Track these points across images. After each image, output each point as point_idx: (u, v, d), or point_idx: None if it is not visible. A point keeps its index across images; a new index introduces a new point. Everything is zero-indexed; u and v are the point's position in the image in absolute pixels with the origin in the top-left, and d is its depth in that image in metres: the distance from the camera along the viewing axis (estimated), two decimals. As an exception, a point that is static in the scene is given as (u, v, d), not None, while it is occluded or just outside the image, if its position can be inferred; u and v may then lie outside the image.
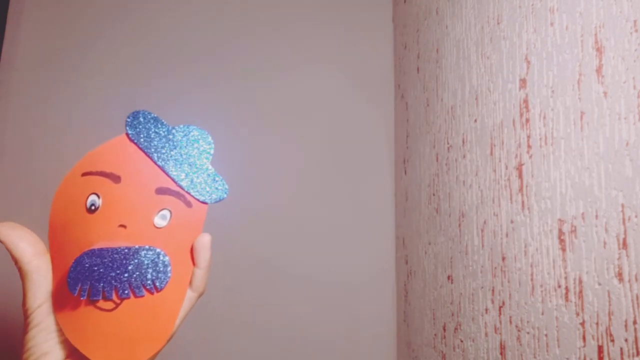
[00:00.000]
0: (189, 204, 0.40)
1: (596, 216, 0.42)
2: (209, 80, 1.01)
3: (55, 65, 0.96)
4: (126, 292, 0.36)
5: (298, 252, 0.98)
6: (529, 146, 0.53)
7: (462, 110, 0.71)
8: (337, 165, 1.02)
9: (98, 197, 0.38)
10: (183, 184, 0.40)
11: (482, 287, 0.62)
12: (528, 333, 0.52)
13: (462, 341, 0.68)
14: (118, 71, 0.97)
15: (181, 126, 0.41)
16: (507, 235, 0.57)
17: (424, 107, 0.87)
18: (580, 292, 0.44)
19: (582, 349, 0.43)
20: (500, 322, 0.58)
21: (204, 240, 0.39)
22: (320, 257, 0.98)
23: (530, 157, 0.53)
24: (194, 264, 0.40)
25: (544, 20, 0.52)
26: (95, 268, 0.35)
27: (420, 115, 0.89)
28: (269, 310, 0.95)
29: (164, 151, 0.40)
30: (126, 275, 0.36)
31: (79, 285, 0.35)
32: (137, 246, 0.37)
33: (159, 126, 0.41)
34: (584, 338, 0.43)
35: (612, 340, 0.40)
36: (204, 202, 0.40)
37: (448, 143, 0.76)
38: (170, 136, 0.41)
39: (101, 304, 0.36)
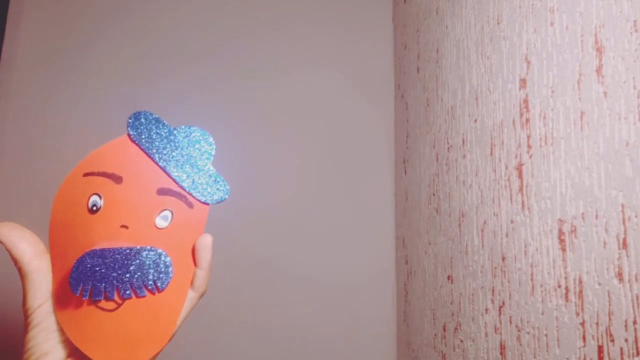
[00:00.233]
0: (190, 205, 0.40)
1: (596, 216, 0.42)
2: (209, 80, 1.01)
3: (55, 65, 0.96)
4: (128, 292, 0.36)
5: (298, 252, 0.98)
6: (529, 146, 0.53)
7: (462, 110, 0.71)
8: (337, 165, 1.02)
9: (100, 197, 0.38)
10: (184, 184, 0.40)
11: (482, 287, 0.62)
12: (528, 333, 0.52)
13: (462, 341, 0.68)
14: (118, 71, 0.97)
15: (183, 127, 0.42)
16: (507, 235, 0.57)
17: (424, 107, 0.87)
18: (580, 292, 0.44)
19: (582, 349, 0.43)
20: (500, 322, 0.58)
21: (206, 241, 0.39)
22: (320, 257, 0.98)
23: (530, 157, 0.53)
24: (195, 264, 0.40)
25: (544, 20, 0.52)
26: (97, 268, 0.35)
27: (420, 115, 0.89)
28: (269, 310, 0.95)
29: (165, 152, 0.40)
30: (128, 275, 0.36)
31: (81, 285, 0.35)
32: (138, 247, 0.37)
33: (161, 127, 0.41)
34: (584, 338, 0.43)
35: (612, 340, 0.40)
36: (205, 203, 0.41)
37: (448, 143, 0.76)
38: (172, 137, 0.41)
39: (103, 304, 0.36)
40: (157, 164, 0.40)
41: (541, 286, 0.50)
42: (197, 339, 0.92)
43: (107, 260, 0.36)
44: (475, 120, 0.67)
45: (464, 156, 0.70)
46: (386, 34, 1.10)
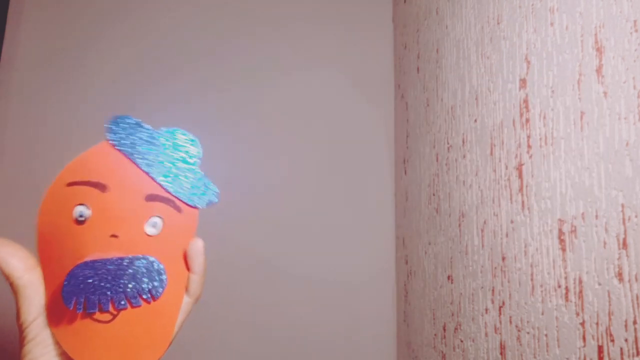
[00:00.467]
0: (179, 210, 0.39)
1: (596, 216, 0.42)
2: (209, 80, 1.01)
3: (55, 65, 0.96)
4: (122, 302, 0.35)
5: (298, 252, 0.98)
6: (529, 146, 0.53)
7: (462, 110, 0.71)
8: (337, 165, 1.02)
9: (86, 207, 0.37)
10: (171, 189, 0.39)
11: (482, 287, 0.62)
12: (528, 333, 0.52)
13: (462, 341, 0.68)
14: (118, 71, 0.97)
15: (165, 129, 0.40)
16: (507, 235, 0.57)
17: (424, 107, 0.87)
18: (580, 292, 0.44)
19: (582, 349, 0.43)
20: (500, 322, 0.58)
21: (198, 246, 0.39)
22: (320, 257, 0.98)
23: (530, 157, 0.53)
24: (188, 269, 0.39)
25: (544, 20, 0.52)
26: (90, 280, 0.34)
27: (420, 115, 0.89)
28: (269, 310, 0.95)
29: (149, 156, 0.39)
30: (122, 286, 0.35)
31: (74, 298, 0.34)
32: (130, 256, 0.36)
33: (142, 130, 0.40)
34: (584, 338, 0.43)
35: (612, 340, 0.40)
36: (194, 207, 0.40)
37: (448, 143, 0.76)
38: (155, 140, 0.40)
39: (98, 316, 0.35)
40: (141, 169, 0.39)
41: (541, 286, 0.50)
42: (197, 339, 0.92)
43: (100, 272, 0.35)
44: (475, 120, 0.67)
45: (464, 156, 0.70)
46: (386, 34, 1.10)
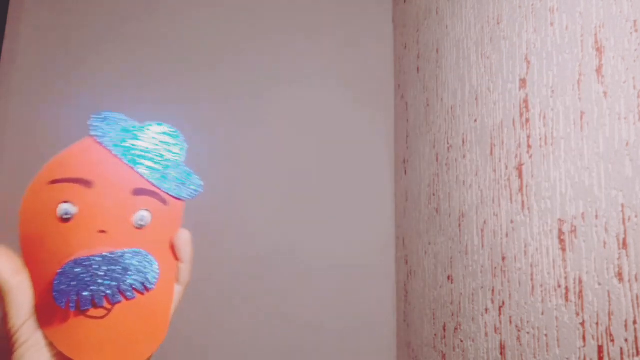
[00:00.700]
0: (164, 202, 0.39)
1: (596, 216, 0.42)
2: (209, 80, 1.01)
3: (55, 65, 0.96)
4: (116, 297, 0.35)
5: (298, 252, 0.98)
6: (529, 146, 0.53)
7: (462, 110, 0.71)
8: (337, 165, 1.02)
9: (72, 205, 0.36)
10: (156, 182, 0.39)
11: (482, 287, 0.62)
12: (528, 333, 0.52)
13: (462, 341, 0.68)
14: (118, 71, 0.97)
15: (148, 123, 0.40)
16: (507, 235, 0.57)
17: (424, 107, 0.87)
18: (580, 292, 0.44)
19: (582, 349, 0.43)
20: (500, 322, 0.58)
21: (186, 237, 0.40)
22: (321, 256, 0.98)
23: (530, 157, 0.53)
24: (176, 259, 0.40)
25: (544, 20, 0.52)
26: (81, 277, 0.34)
27: (420, 115, 0.89)
28: (269, 310, 0.95)
29: (132, 151, 0.39)
30: (115, 280, 0.35)
31: (67, 297, 0.34)
32: (121, 250, 0.36)
33: (126, 125, 0.40)
34: (584, 338, 0.43)
35: (612, 340, 0.40)
36: (179, 198, 0.40)
37: (448, 143, 0.76)
38: (138, 134, 0.40)
39: (92, 312, 0.35)
40: (126, 163, 0.39)
41: (541, 286, 0.50)
42: (196, 339, 0.92)
43: (91, 268, 0.35)
44: (475, 120, 0.67)
45: (464, 156, 0.70)
46: (386, 34, 1.10)
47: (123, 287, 0.36)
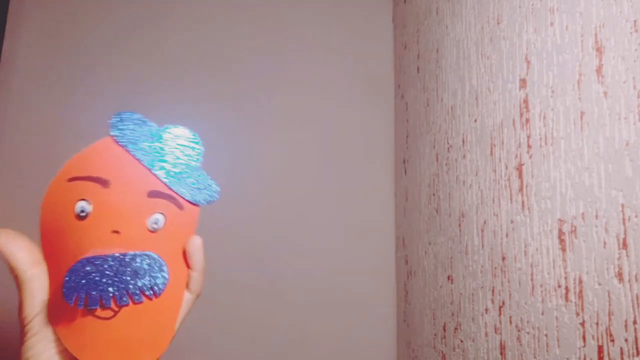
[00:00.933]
0: (180, 207, 0.39)
1: (596, 216, 0.42)
2: (209, 80, 1.01)
3: (55, 65, 0.96)
4: (124, 299, 0.35)
5: (298, 252, 0.98)
6: (529, 146, 0.53)
7: (462, 110, 0.71)
8: (337, 165, 1.02)
9: (88, 203, 0.36)
10: (173, 186, 0.39)
11: (482, 287, 0.62)
12: (528, 333, 0.52)
13: (462, 341, 0.68)
14: (118, 71, 0.97)
15: (168, 126, 0.40)
16: (507, 235, 0.57)
17: (424, 107, 0.87)
18: (580, 292, 0.44)
19: (582, 349, 0.43)
20: (500, 322, 0.58)
21: (197, 244, 0.39)
22: (320, 256, 0.98)
23: (530, 157, 0.53)
24: (188, 266, 0.39)
25: (544, 20, 0.52)
26: (91, 276, 0.34)
27: (420, 115, 0.89)
28: (269, 310, 0.95)
29: (151, 153, 0.39)
30: (123, 282, 0.35)
31: (75, 294, 0.34)
32: (132, 252, 0.36)
33: (145, 127, 0.40)
34: (584, 338, 0.43)
35: (612, 340, 0.40)
36: (195, 204, 0.40)
37: (448, 143, 0.76)
38: (158, 137, 0.40)
39: (99, 312, 0.35)
40: (144, 165, 0.39)
41: (541, 286, 0.50)
42: (197, 340, 0.92)
43: (101, 268, 0.35)
44: (475, 120, 0.67)
45: (464, 156, 0.70)
46: (386, 34, 1.10)
47: (132, 289, 0.35)
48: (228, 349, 0.93)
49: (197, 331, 0.92)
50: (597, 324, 0.42)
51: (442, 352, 0.74)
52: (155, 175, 0.39)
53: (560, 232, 0.47)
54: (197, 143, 0.41)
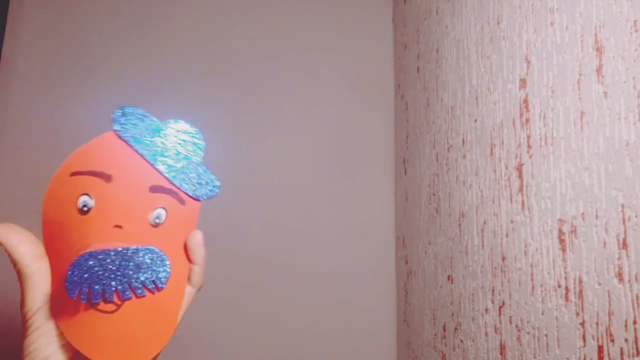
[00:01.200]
0: (182, 201, 0.39)
1: (596, 216, 0.42)
2: (209, 80, 1.01)
3: (55, 65, 0.96)
4: (127, 293, 0.35)
5: (298, 252, 0.98)
6: (529, 146, 0.53)
7: (462, 110, 0.71)
8: (337, 165, 1.02)
9: (90, 197, 0.37)
10: (175, 181, 0.39)
11: (482, 287, 0.62)
12: (528, 333, 0.52)
13: (462, 341, 0.68)
14: (118, 71, 0.97)
15: (170, 121, 0.40)
16: (507, 235, 0.57)
17: (424, 107, 0.87)
18: (580, 292, 0.44)
19: (582, 349, 0.43)
20: (500, 322, 0.58)
21: (198, 238, 0.40)
22: (320, 256, 0.98)
23: (530, 157, 0.53)
24: (189, 260, 0.39)
25: (544, 20, 0.52)
26: (94, 270, 0.34)
27: (420, 115, 0.89)
28: (269, 310, 0.95)
29: (153, 147, 0.39)
30: (126, 276, 0.35)
31: (78, 289, 0.34)
32: (135, 246, 0.36)
33: (147, 122, 0.40)
34: (584, 338, 0.43)
35: (612, 340, 0.40)
36: (196, 199, 0.40)
37: (448, 143, 0.76)
38: (160, 132, 0.40)
39: (102, 306, 0.35)
40: (146, 160, 0.39)
41: (541, 286, 0.50)
42: (197, 340, 0.92)
43: (104, 262, 0.35)
44: (475, 120, 0.67)
45: (464, 156, 0.70)
46: (386, 34, 1.10)
47: (134, 283, 0.36)
48: (228, 348, 0.93)
49: (196, 331, 0.92)
50: (597, 324, 0.42)
51: (442, 352, 0.74)
52: (157, 170, 0.39)
53: (560, 232, 0.47)
54: (198, 138, 0.41)
